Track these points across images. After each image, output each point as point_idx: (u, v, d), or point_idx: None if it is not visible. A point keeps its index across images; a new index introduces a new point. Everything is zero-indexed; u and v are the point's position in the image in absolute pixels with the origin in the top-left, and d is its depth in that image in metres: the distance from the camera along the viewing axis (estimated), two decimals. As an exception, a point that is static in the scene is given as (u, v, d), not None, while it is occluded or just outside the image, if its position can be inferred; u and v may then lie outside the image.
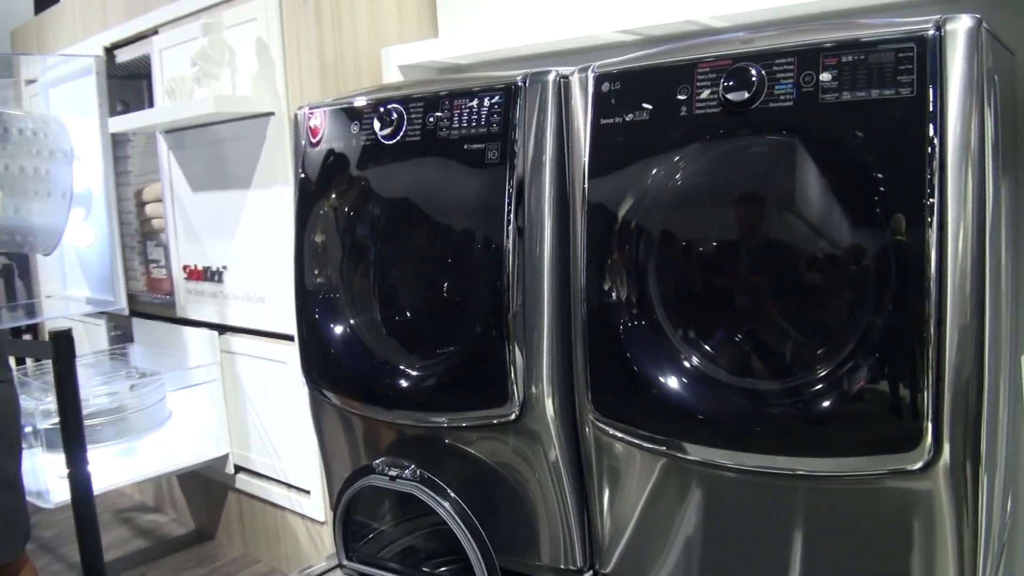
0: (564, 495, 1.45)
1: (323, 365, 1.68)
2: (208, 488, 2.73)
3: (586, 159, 1.32)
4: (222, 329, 2.46)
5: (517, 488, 1.49)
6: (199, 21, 2.17)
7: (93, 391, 2.45)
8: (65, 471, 1.88)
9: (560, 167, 1.39)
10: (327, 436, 1.78)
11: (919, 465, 1.07)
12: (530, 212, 1.39)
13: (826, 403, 1.13)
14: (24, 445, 1.83)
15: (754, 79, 1.15)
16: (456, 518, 1.44)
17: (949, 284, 1.04)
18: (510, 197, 1.39)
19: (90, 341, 3.05)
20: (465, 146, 1.43)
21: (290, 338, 2.18)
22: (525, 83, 1.39)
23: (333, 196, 1.63)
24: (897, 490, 1.11)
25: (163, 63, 2.47)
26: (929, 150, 1.03)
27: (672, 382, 1.26)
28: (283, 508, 2.41)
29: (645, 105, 1.26)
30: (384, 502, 1.68)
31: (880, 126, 1.07)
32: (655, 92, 1.26)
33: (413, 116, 1.50)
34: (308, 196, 1.66)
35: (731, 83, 1.17)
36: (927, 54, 1.04)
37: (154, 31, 2.50)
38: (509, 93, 1.40)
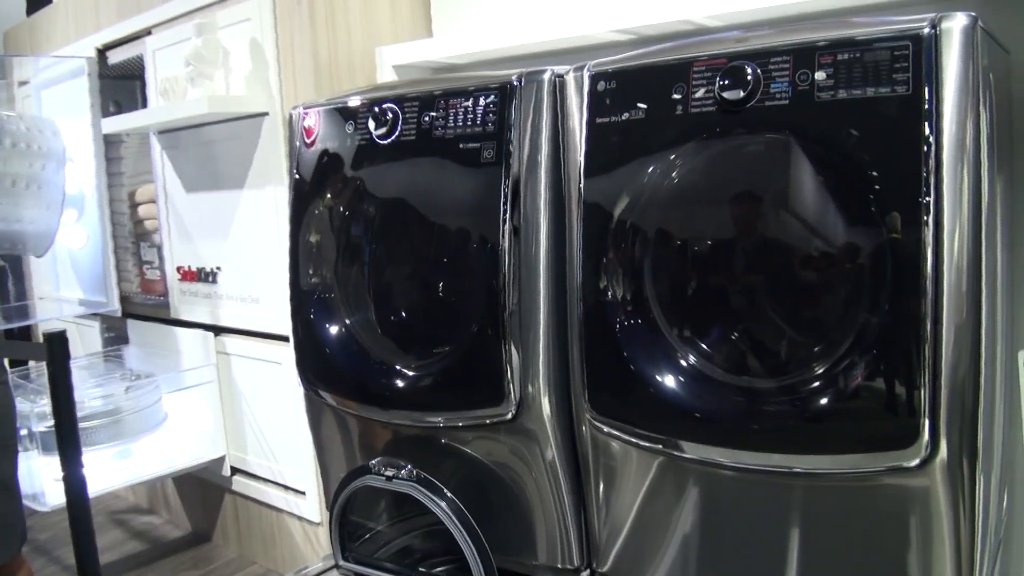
0: (561, 494, 1.45)
1: (318, 365, 1.68)
2: (204, 490, 2.72)
3: (582, 158, 1.32)
4: (217, 330, 2.45)
5: (514, 487, 1.49)
6: (193, 21, 2.17)
7: (88, 393, 2.44)
8: (60, 474, 1.87)
9: (556, 166, 1.39)
10: (323, 437, 1.78)
11: (916, 462, 1.07)
12: (526, 211, 1.39)
13: (823, 401, 1.13)
14: (20, 448, 1.82)
15: (750, 78, 1.15)
16: (453, 518, 1.44)
17: (945, 282, 1.04)
18: (506, 196, 1.38)
19: (83, 343, 3.04)
20: (460, 145, 1.43)
21: (285, 339, 2.18)
22: (520, 82, 1.39)
23: (328, 196, 1.63)
24: (894, 487, 1.12)
25: (156, 64, 2.47)
26: (925, 148, 1.04)
27: (668, 381, 1.26)
28: (279, 509, 2.40)
29: (640, 104, 1.26)
30: (380, 502, 1.68)
31: (876, 124, 1.08)
32: (650, 91, 1.26)
33: (408, 116, 1.50)
34: (303, 196, 1.66)
35: (727, 82, 1.17)
36: (923, 52, 1.04)
37: (147, 32, 2.49)
38: (504, 92, 1.39)
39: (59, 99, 2.82)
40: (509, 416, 1.42)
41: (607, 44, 1.76)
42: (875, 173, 1.08)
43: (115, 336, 2.94)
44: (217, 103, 2.10)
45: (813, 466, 1.16)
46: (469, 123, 1.42)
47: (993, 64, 1.12)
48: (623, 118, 1.28)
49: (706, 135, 1.21)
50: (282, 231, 2.05)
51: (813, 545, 1.21)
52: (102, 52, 2.70)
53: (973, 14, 1.04)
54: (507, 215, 1.38)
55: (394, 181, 1.54)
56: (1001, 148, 1.18)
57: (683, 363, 1.26)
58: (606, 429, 1.34)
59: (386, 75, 2.10)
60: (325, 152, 1.62)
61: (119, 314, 2.82)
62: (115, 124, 2.45)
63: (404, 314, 1.58)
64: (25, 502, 1.94)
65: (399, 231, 1.56)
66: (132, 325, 2.82)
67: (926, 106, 1.04)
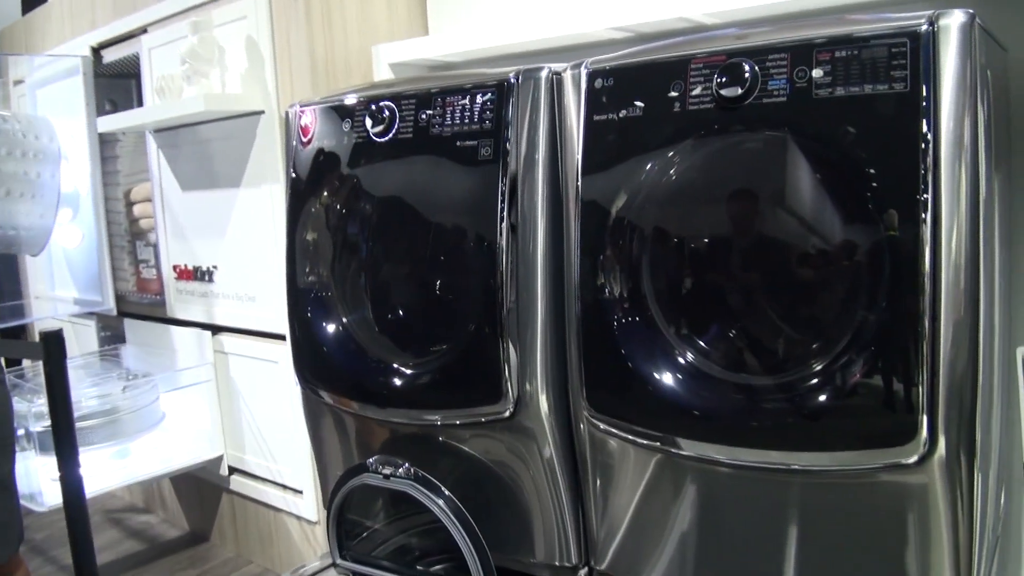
0: (559, 492, 1.45)
1: (316, 364, 1.68)
2: (200, 489, 2.72)
3: (579, 156, 1.32)
4: (215, 329, 2.45)
5: (511, 485, 1.49)
6: (188, 19, 2.16)
7: (85, 393, 2.43)
8: (57, 474, 1.86)
9: (553, 164, 1.39)
10: (320, 435, 1.77)
11: (914, 459, 1.07)
12: (523, 209, 1.39)
13: (821, 398, 1.13)
14: (17, 448, 1.81)
15: (747, 75, 1.15)
16: (451, 516, 1.44)
17: (943, 279, 1.04)
18: (503, 194, 1.38)
19: (79, 342, 3.04)
20: (458, 143, 1.43)
21: (281, 337, 2.17)
22: (518, 80, 1.38)
23: (325, 194, 1.62)
24: (892, 484, 1.12)
25: (152, 62, 2.46)
26: (923, 146, 1.04)
27: (666, 378, 1.26)
28: (276, 509, 2.40)
29: (638, 102, 1.26)
30: (378, 501, 1.68)
31: (873, 122, 1.08)
32: (648, 88, 1.26)
33: (405, 113, 1.50)
34: (299, 194, 1.66)
35: (724, 79, 1.17)
36: (920, 50, 1.04)
37: (143, 30, 2.49)
38: (502, 90, 1.39)
39: (54, 98, 2.82)
40: (507, 414, 1.42)
41: (604, 42, 1.75)
42: (873, 170, 1.08)
43: (111, 335, 2.93)
44: (213, 101, 2.09)
45: (811, 463, 1.16)
46: (466, 121, 1.42)
47: (991, 61, 1.13)
48: (621, 115, 1.28)
49: (704, 132, 1.21)
50: (278, 230, 2.05)
51: (811, 542, 1.21)
52: (97, 51, 2.69)
53: (971, 11, 1.04)
54: (504, 213, 1.38)
55: (391, 179, 1.54)
56: (998, 145, 1.18)
57: (681, 360, 1.26)
58: (604, 427, 1.34)
59: (382, 73, 2.10)
60: (322, 150, 1.62)
61: (114, 313, 2.81)
62: (111, 123, 2.45)
63: (401, 312, 1.58)
64: (22, 502, 1.94)
65: (396, 229, 1.56)
66: (129, 324, 2.81)
67: (924, 103, 1.04)
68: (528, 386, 1.41)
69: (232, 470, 2.52)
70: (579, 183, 1.32)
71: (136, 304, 2.77)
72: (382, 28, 2.16)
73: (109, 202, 2.76)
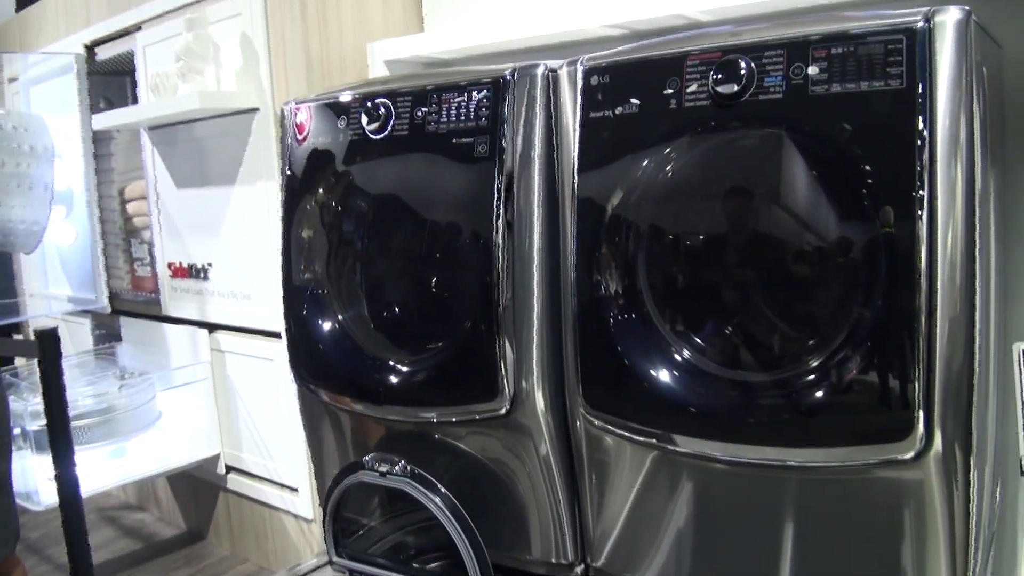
0: (555, 489, 1.45)
1: (311, 361, 1.67)
2: (196, 487, 2.71)
3: (575, 153, 1.32)
4: (211, 327, 2.45)
5: (508, 483, 1.49)
6: (183, 16, 2.16)
7: (81, 391, 2.43)
8: (53, 473, 1.86)
9: (549, 161, 1.39)
10: (316, 433, 1.77)
11: (910, 455, 1.08)
12: (519, 206, 1.39)
13: (817, 394, 1.13)
14: (13, 447, 1.81)
15: (743, 72, 1.15)
16: (447, 513, 1.44)
17: (939, 276, 1.05)
18: (499, 191, 1.38)
19: (73, 341, 3.03)
20: (453, 140, 1.43)
21: (277, 335, 2.17)
22: (514, 76, 1.38)
23: (320, 191, 1.62)
24: (888, 480, 1.12)
25: (147, 59, 2.45)
26: (918, 142, 1.04)
27: (663, 375, 1.26)
28: (272, 507, 2.40)
29: (634, 99, 1.26)
30: (374, 498, 1.68)
31: (869, 118, 1.08)
32: (644, 85, 1.25)
33: (401, 110, 1.49)
34: (295, 192, 1.66)
35: (720, 76, 1.17)
36: (916, 46, 1.04)
37: (138, 27, 2.48)
38: (498, 87, 1.39)
39: (48, 96, 2.82)
40: (503, 411, 1.42)
41: (600, 39, 1.75)
42: (869, 167, 1.08)
43: (105, 333, 2.93)
44: (208, 99, 2.09)
45: (807, 459, 1.16)
46: (462, 118, 1.42)
47: (986, 58, 1.13)
48: (617, 112, 1.28)
49: (700, 129, 1.21)
50: (273, 227, 2.05)
51: (807, 538, 1.21)
52: (90, 49, 2.68)
53: (967, 8, 1.04)
54: (500, 210, 1.38)
55: (387, 176, 1.54)
56: (994, 142, 1.18)
57: (677, 357, 1.26)
58: (600, 424, 1.34)
59: (378, 70, 2.09)
60: (317, 148, 1.61)
61: (108, 311, 2.81)
62: (106, 120, 2.44)
63: (397, 310, 1.58)
64: (19, 501, 1.93)
65: (392, 226, 1.55)
66: (125, 322, 2.81)
67: (920, 100, 1.04)
68: (524, 383, 1.41)
69: (229, 469, 2.52)
70: (575, 180, 1.32)
71: (131, 302, 2.77)
72: (377, 25, 2.16)
73: (103, 200, 2.76)
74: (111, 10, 2.59)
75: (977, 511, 1.11)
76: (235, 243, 2.30)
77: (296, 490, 2.28)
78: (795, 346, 1.18)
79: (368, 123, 1.52)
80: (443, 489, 1.46)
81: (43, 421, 1.88)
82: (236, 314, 2.34)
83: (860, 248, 1.10)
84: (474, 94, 1.41)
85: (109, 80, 2.71)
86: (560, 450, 1.43)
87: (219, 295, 2.39)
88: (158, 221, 2.56)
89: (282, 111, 1.70)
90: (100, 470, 2.35)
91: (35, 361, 1.82)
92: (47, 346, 1.80)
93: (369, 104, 1.53)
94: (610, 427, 1.33)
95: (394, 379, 1.54)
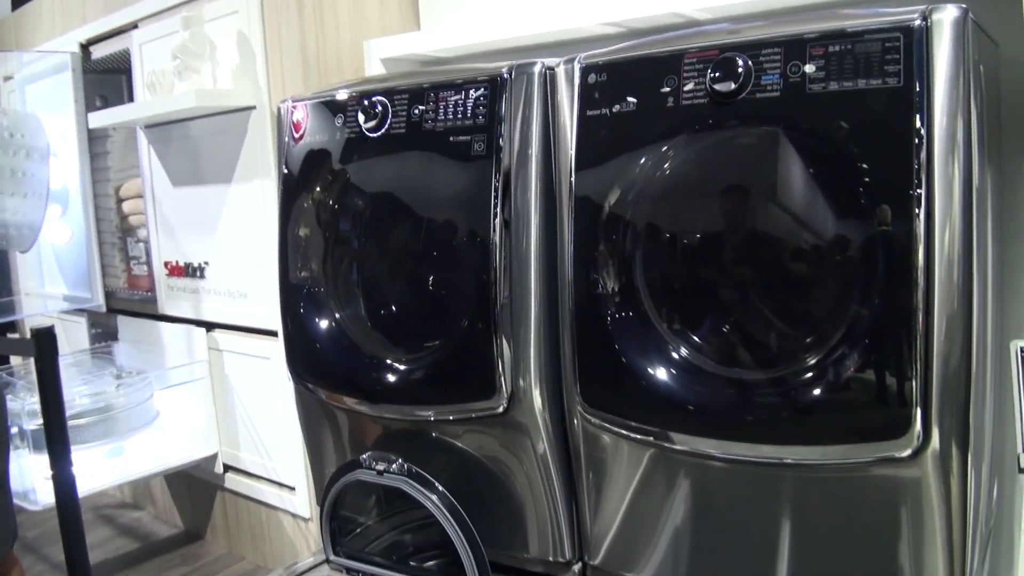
0: (552, 487, 1.45)
1: (308, 359, 1.67)
2: (193, 486, 2.71)
3: (572, 151, 1.32)
4: (208, 326, 2.44)
5: (505, 481, 1.49)
6: (179, 15, 2.15)
7: (77, 391, 2.42)
8: (50, 472, 1.86)
9: (546, 159, 1.39)
10: (313, 431, 1.77)
11: (907, 452, 1.08)
12: (516, 205, 1.39)
13: (814, 392, 1.13)
14: (11, 446, 1.81)
15: (741, 70, 1.15)
16: (444, 512, 1.44)
17: (937, 274, 1.05)
18: (496, 190, 1.38)
19: (69, 340, 3.02)
20: (451, 139, 1.43)
21: (274, 334, 2.17)
22: (511, 75, 1.38)
23: (317, 190, 1.62)
24: (885, 478, 1.12)
25: (143, 57, 2.45)
26: (916, 140, 1.04)
27: (660, 373, 1.26)
28: (270, 506, 2.40)
29: (631, 97, 1.26)
30: (371, 497, 1.68)
31: (866, 116, 1.08)
32: (641, 83, 1.25)
33: (398, 108, 1.49)
34: (291, 190, 1.65)
35: (718, 74, 1.17)
36: (913, 44, 1.04)
37: (134, 25, 2.48)
38: (495, 85, 1.39)
39: (44, 94, 2.81)
40: (500, 409, 1.42)
41: (597, 37, 1.75)
42: (866, 165, 1.08)
43: (102, 332, 2.92)
44: (204, 97, 2.09)
45: (804, 457, 1.16)
46: (459, 116, 1.42)
47: (983, 56, 1.13)
48: (614, 110, 1.28)
49: (697, 127, 1.21)
50: (270, 225, 2.05)
51: (804, 536, 1.21)
52: (86, 47, 2.68)
53: (964, 6, 1.04)
54: (498, 208, 1.38)
55: (383, 174, 1.54)
56: (990, 140, 1.19)
57: (674, 355, 1.26)
58: (597, 422, 1.34)
59: (374, 68, 2.09)
60: (313, 146, 1.61)
61: (104, 310, 2.80)
62: (102, 118, 2.44)
63: (394, 308, 1.58)
64: (16, 500, 1.93)
65: (389, 225, 1.55)
66: (121, 321, 2.80)
67: (917, 98, 1.04)
68: (521, 381, 1.41)
69: (226, 468, 2.52)
70: (572, 178, 1.32)
71: (127, 301, 2.76)
72: (374, 23, 2.16)
73: (99, 198, 2.75)
74: (107, 8, 2.59)
75: (974, 508, 1.11)
76: (232, 242, 2.30)
77: (293, 489, 2.28)
78: (792, 344, 1.18)
79: (365, 121, 1.52)
80: (440, 487, 1.46)
81: (40, 420, 1.87)
82: (233, 313, 2.34)
83: (857, 246, 1.10)
84: (471, 92, 1.41)
85: (105, 78, 2.70)
86: (557, 448, 1.43)
87: (216, 294, 2.39)
88: (154, 219, 2.55)
89: (279, 109, 1.70)
90: (97, 469, 2.35)
91: (32, 360, 1.82)
92: (43, 345, 1.80)
93: (366, 102, 1.52)
94: (607, 425, 1.33)
95: (391, 377, 1.53)
